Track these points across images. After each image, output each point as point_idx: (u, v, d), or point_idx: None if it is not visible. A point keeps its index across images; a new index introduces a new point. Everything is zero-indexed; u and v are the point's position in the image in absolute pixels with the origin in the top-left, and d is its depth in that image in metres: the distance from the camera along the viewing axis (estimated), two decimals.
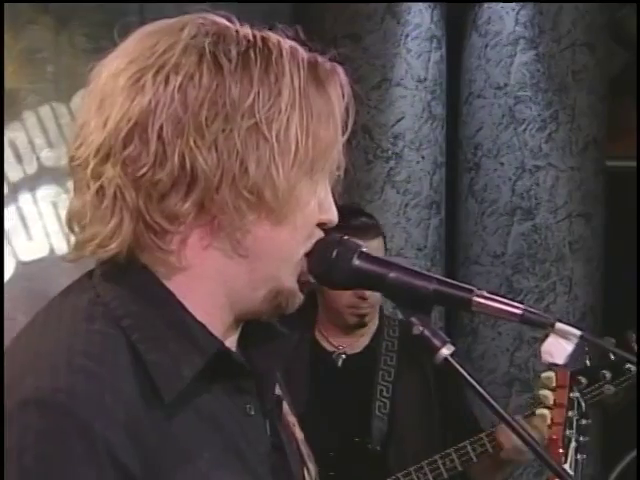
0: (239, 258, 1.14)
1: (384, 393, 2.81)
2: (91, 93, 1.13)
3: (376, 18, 4.50)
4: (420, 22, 4.53)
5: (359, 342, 2.90)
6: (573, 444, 2.31)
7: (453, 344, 1.16)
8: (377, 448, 2.77)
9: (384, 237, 2.88)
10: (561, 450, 2.27)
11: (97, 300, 1.12)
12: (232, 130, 1.09)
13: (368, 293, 2.71)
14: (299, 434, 1.32)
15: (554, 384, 2.38)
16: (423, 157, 4.56)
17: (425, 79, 4.56)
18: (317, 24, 4.52)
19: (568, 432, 2.32)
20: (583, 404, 2.38)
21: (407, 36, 4.52)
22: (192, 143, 1.08)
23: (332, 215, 1.20)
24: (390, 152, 4.52)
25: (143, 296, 1.12)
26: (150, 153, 1.09)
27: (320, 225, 1.19)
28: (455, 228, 4.81)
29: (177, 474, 1.07)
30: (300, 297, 1.20)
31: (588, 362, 2.59)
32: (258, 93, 1.10)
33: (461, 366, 1.15)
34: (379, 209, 4.46)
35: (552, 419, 2.35)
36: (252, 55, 1.12)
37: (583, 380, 2.57)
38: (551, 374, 2.38)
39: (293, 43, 1.16)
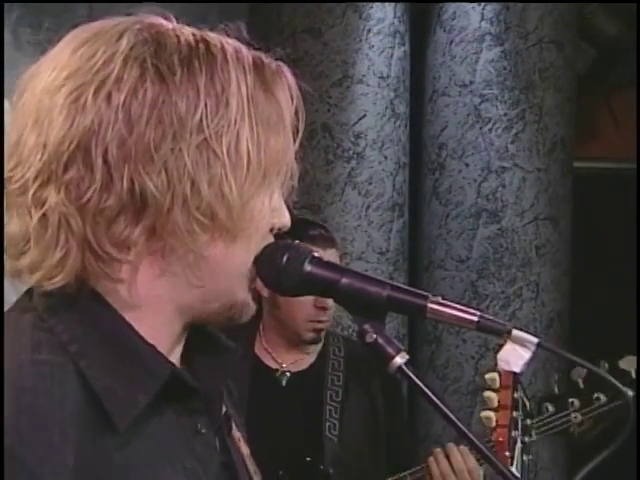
0: (193, 279, 1.10)
1: (333, 414, 2.73)
2: (24, 107, 1.07)
3: (337, 12, 4.41)
4: (383, 17, 4.45)
5: (304, 360, 2.80)
6: (519, 445, 2.30)
7: (408, 351, 1.14)
8: (329, 470, 2.67)
9: (338, 249, 2.82)
10: (507, 453, 2.26)
11: (41, 325, 1.07)
12: (181, 149, 1.05)
13: (329, 303, 2.63)
14: (245, 449, 1.29)
15: (498, 385, 2.36)
16: (385, 157, 4.48)
17: (388, 76, 4.47)
18: (275, 18, 4.46)
19: (514, 433, 2.31)
20: (527, 403, 2.37)
21: (369, 31, 4.43)
22: (141, 168, 1.03)
23: (285, 219, 1.17)
24: (351, 152, 4.43)
25: (89, 319, 1.08)
26: (96, 178, 1.04)
27: (272, 230, 1.17)
28: (418, 231, 4.74)
29: None
30: (253, 306, 1.17)
31: (557, 389, 2.56)
32: (206, 106, 1.06)
33: (415, 375, 1.14)
34: (339, 211, 4.39)
35: (497, 421, 2.33)
36: (196, 63, 1.07)
37: (550, 407, 2.53)
38: (494, 375, 2.37)
39: (236, 44, 1.12)
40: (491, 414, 2.33)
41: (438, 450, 2.62)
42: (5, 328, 1.08)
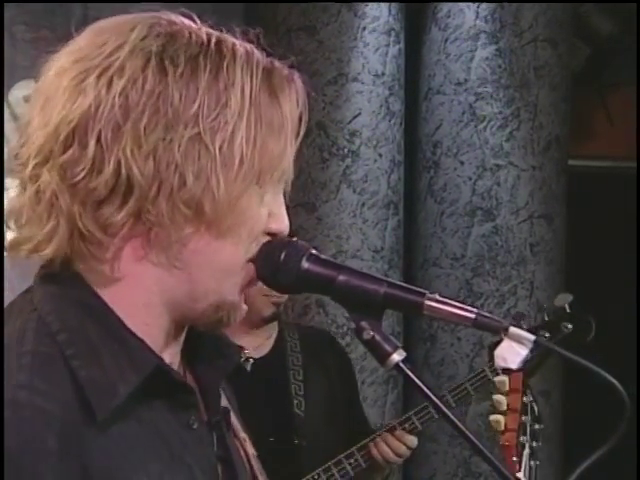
0: (176, 270, 1.11)
1: (298, 391, 2.95)
2: (37, 91, 1.11)
3: (332, 10, 4.41)
4: (378, 15, 4.44)
5: (264, 345, 3.00)
6: (527, 450, 2.30)
7: (405, 349, 1.15)
8: (303, 443, 2.90)
9: None
10: (515, 458, 2.25)
11: (31, 315, 1.10)
12: (172, 140, 1.07)
13: None
14: (250, 450, 1.29)
15: (507, 388, 2.35)
16: (380, 155, 4.47)
17: (383, 74, 4.47)
18: (270, 16, 4.44)
19: (522, 438, 2.30)
20: (536, 409, 2.37)
21: (364, 29, 4.42)
22: (129, 152, 1.06)
23: (283, 225, 1.18)
24: (346, 150, 4.42)
25: (80, 309, 1.10)
26: (87, 158, 1.06)
27: (269, 234, 1.17)
28: (413, 229, 4.74)
29: None
30: (243, 310, 1.17)
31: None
32: (203, 101, 1.08)
33: (412, 372, 1.14)
34: (334, 209, 4.40)
35: (506, 425, 2.32)
36: (201, 61, 1.09)
37: None
38: (504, 378, 2.36)
39: (250, 47, 1.13)
40: (500, 417, 2.31)
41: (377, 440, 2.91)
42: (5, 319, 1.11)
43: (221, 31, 1.14)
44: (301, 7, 4.40)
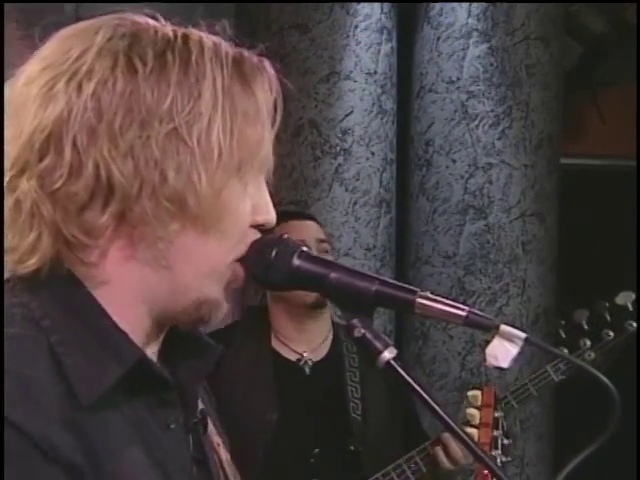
0: (161, 268, 1.11)
1: (355, 394, 2.90)
2: (7, 101, 1.10)
3: (324, 8, 4.40)
4: (370, 13, 4.43)
5: (321, 348, 2.96)
6: (498, 464, 2.36)
7: (396, 347, 1.14)
8: (359, 448, 2.84)
9: (319, 224, 2.99)
10: (486, 471, 2.26)
11: (14, 302, 1.09)
12: (149, 137, 1.07)
13: None
14: (224, 454, 1.29)
15: (479, 403, 2.40)
16: (373, 153, 4.47)
17: (375, 72, 4.46)
18: (262, 14, 4.43)
19: (494, 452, 2.36)
20: (505, 424, 2.43)
21: (356, 27, 4.42)
22: (106, 153, 1.06)
23: (269, 216, 1.18)
24: (338, 148, 4.42)
25: (63, 298, 1.10)
26: (64, 164, 1.06)
27: (257, 227, 1.17)
28: (405, 227, 4.74)
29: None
30: (224, 309, 1.17)
31: (564, 334, 2.82)
32: (176, 96, 1.08)
33: (404, 370, 1.15)
34: (327, 207, 4.39)
35: (478, 438, 2.37)
36: (169, 57, 1.09)
37: (565, 350, 2.78)
38: (477, 392, 2.42)
39: (217, 39, 1.14)
40: (473, 431, 2.35)
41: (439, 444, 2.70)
42: None
43: (186, 27, 1.14)
44: (293, 5, 4.39)
